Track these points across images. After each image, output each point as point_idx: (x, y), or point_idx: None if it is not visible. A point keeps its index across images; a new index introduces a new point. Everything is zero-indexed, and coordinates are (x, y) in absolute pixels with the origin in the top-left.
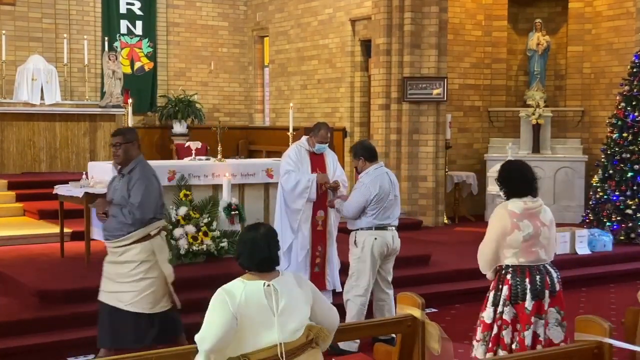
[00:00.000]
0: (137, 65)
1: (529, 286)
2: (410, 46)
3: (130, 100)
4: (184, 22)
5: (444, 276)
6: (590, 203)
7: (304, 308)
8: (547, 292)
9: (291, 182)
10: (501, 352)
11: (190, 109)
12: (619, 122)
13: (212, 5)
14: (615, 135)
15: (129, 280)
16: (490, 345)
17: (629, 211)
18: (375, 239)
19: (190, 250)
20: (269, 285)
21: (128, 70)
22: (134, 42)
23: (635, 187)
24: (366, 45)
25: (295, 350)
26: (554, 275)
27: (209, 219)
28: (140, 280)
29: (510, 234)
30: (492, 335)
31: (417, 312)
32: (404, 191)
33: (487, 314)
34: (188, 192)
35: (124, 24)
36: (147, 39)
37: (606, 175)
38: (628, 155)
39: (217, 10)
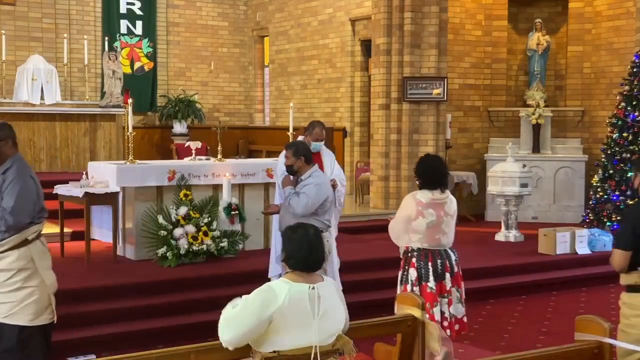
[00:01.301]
0: (137, 65)
1: (431, 269)
2: (410, 46)
3: (130, 100)
4: (184, 22)
5: None
6: (590, 203)
7: (341, 315)
8: (447, 274)
9: None
10: None
11: (190, 108)
12: (619, 122)
13: (212, 5)
14: (615, 135)
15: (6, 290)
16: None
17: None
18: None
19: (190, 250)
20: (313, 289)
21: (128, 70)
22: (134, 42)
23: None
24: (366, 45)
25: (321, 355)
26: (453, 258)
27: (209, 218)
28: (19, 289)
29: (414, 220)
30: None
31: (417, 312)
32: (403, 191)
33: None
34: (188, 192)
35: (124, 24)
36: (147, 39)
37: (606, 175)
38: (628, 155)
39: (217, 10)
